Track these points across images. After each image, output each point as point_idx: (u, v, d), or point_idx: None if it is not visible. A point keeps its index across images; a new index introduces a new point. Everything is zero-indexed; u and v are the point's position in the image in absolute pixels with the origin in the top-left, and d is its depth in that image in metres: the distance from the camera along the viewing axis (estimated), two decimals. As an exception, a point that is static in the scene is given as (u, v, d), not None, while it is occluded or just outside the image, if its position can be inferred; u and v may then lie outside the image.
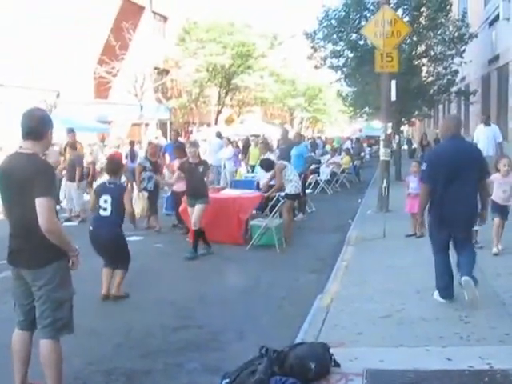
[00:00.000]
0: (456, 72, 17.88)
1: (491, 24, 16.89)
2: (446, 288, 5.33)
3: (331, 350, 4.00)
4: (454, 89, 18.29)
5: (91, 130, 21.64)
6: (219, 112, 34.80)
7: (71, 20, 22.78)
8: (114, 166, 6.96)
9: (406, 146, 29.85)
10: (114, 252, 6.45)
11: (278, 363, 3.84)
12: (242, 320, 5.56)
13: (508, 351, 4.10)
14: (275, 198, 9.98)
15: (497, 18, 15.68)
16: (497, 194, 7.28)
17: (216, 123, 33.20)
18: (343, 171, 17.96)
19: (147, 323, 5.52)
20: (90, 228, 6.47)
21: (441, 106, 26.29)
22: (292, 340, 4.65)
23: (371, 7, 16.14)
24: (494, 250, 7.21)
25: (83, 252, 6.75)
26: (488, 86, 17.74)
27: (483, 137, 12.26)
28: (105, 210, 6.38)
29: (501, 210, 7.33)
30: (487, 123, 12.71)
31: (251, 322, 5.51)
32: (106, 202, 6.39)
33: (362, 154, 24.65)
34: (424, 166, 5.53)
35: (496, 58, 16.28)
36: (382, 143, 11.51)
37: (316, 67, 18.68)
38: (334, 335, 4.63)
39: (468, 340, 4.39)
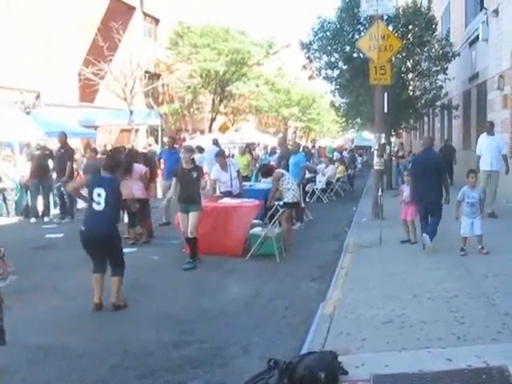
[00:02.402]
0: (441, 87, 18.52)
1: (471, 44, 17.71)
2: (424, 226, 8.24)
3: (339, 358, 4.12)
4: (438, 103, 18.84)
5: (74, 135, 19.67)
6: (213, 119, 34.66)
7: (55, 17, 21.94)
8: (113, 162, 6.61)
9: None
10: (108, 251, 6.16)
11: (287, 375, 3.87)
12: (245, 333, 5.43)
13: (501, 348, 4.29)
14: (274, 207, 10.10)
15: (476, 38, 16.33)
16: None
17: (210, 131, 33.11)
18: (338, 180, 18.14)
19: (145, 340, 5.28)
20: (82, 228, 6.12)
21: (426, 119, 27.04)
22: (298, 350, 4.75)
23: (364, 21, 16.46)
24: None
25: (70, 266, 6.81)
26: (469, 101, 18.55)
27: (487, 149, 11.12)
28: (98, 204, 6.06)
29: None
30: (490, 132, 11.39)
31: (255, 334, 5.42)
32: (99, 195, 6.07)
33: (355, 163, 24.96)
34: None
35: (476, 75, 17.15)
36: (375, 153, 11.70)
37: (310, 78, 18.97)
38: (340, 343, 4.76)
39: (465, 340, 4.57)
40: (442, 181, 8.29)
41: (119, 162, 6.98)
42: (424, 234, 8.07)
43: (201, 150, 17.22)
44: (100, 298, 6.09)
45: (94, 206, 6.09)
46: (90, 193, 6.17)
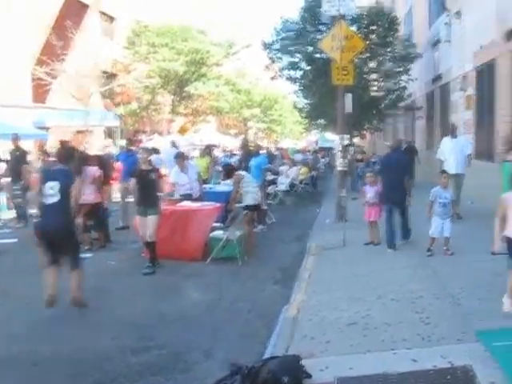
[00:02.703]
0: (404, 88, 18.77)
1: (434, 45, 18.10)
2: (390, 240, 8.50)
3: (302, 362, 4.13)
4: (402, 104, 19.12)
5: (29, 137, 19.09)
6: (172, 121, 34.39)
7: (5, 15, 21.41)
8: (66, 153, 6.57)
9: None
10: (65, 242, 6.09)
11: (250, 380, 3.87)
12: (207, 337, 5.41)
13: (466, 348, 4.38)
14: (234, 210, 10.07)
15: (439, 40, 16.73)
16: None
17: (169, 132, 32.84)
18: (301, 182, 18.25)
19: (103, 346, 5.17)
20: (37, 220, 6.08)
21: (390, 120, 27.46)
22: (261, 354, 4.74)
23: (326, 22, 16.60)
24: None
25: (23, 272, 6.70)
26: (432, 102, 18.93)
27: (451, 152, 10.98)
28: (51, 196, 6.02)
29: None
30: (454, 135, 11.40)
31: (217, 338, 5.41)
32: (52, 188, 6.04)
33: (318, 165, 25.18)
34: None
35: (439, 76, 17.53)
36: (338, 154, 11.81)
37: (273, 78, 19.09)
38: (304, 346, 4.77)
39: (429, 340, 4.64)
40: (405, 182, 8.59)
41: (72, 152, 6.99)
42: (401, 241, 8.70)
43: (156, 151, 17.06)
44: (55, 290, 5.96)
45: (48, 199, 6.05)
46: (42, 188, 6.11)
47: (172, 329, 5.72)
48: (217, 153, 25.18)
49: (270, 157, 19.64)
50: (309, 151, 28.25)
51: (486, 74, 13.07)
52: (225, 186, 12.00)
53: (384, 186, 8.79)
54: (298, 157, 23.61)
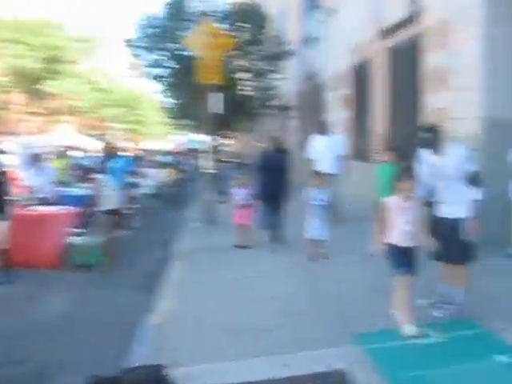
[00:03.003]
0: (276, 87, 19.00)
1: (308, 43, 18.36)
2: (272, 239, 8.91)
3: (166, 371, 3.94)
4: (274, 103, 19.37)
5: None
6: (26, 120, 32.49)
7: None
8: None
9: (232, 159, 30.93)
10: None
11: (110, 391, 3.61)
12: (66, 349, 5.15)
13: (343, 352, 4.43)
14: (93, 214, 9.63)
15: (313, 37, 17.10)
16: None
17: (24, 133, 30.96)
18: (168, 185, 17.95)
19: None
20: None
21: (264, 120, 27.74)
22: (123, 364, 4.49)
23: (193, 18, 16.48)
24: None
25: None
26: (305, 101, 19.14)
27: (324, 151, 10.46)
28: None
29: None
30: (325, 133, 10.85)
31: (76, 350, 5.14)
32: None
33: (187, 167, 24.98)
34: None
35: (312, 75, 17.71)
36: (207, 156, 11.75)
37: (137, 77, 18.58)
38: (168, 354, 4.54)
39: (304, 344, 4.62)
40: (283, 181, 8.90)
41: None
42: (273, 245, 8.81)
43: (2, 152, 16.04)
44: None
45: None
46: None
47: (28, 342, 5.38)
48: (76, 154, 24.12)
49: (135, 159, 19.12)
50: (177, 153, 27.96)
51: (361, 73, 13.40)
52: (83, 189, 11.48)
53: (260, 186, 8.91)
54: (166, 158, 23.29)
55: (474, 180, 5.03)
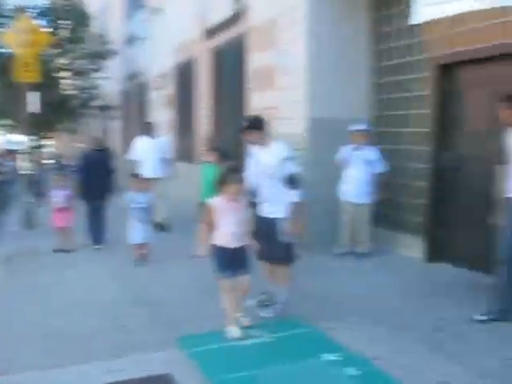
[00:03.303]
0: (98, 86, 18.57)
1: (132, 42, 18.21)
2: (94, 240, 8.81)
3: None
4: (96, 103, 18.90)
5: None
6: None
7: None
8: None
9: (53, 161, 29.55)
10: None
11: None
12: None
13: (166, 356, 4.44)
14: None
15: (137, 37, 16.96)
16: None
17: None
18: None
19: None
20: None
21: (87, 120, 26.98)
22: None
23: (10, 14, 15.52)
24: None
25: None
26: (129, 101, 18.98)
27: (149, 153, 10.09)
28: None
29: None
30: (151, 134, 10.42)
31: None
32: None
33: (6, 168, 23.33)
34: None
35: (137, 74, 17.65)
36: (25, 157, 11.19)
37: None
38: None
39: (127, 349, 4.59)
40: (104, 181, 8.87)
41: None
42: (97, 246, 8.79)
43: None
44: None
45: None
46: None
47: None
48: None
49: None
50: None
51: (185, 72, 13.46)
52: None
53: (82, 187, 8.78)
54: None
55: (291, 181, 5.01)
